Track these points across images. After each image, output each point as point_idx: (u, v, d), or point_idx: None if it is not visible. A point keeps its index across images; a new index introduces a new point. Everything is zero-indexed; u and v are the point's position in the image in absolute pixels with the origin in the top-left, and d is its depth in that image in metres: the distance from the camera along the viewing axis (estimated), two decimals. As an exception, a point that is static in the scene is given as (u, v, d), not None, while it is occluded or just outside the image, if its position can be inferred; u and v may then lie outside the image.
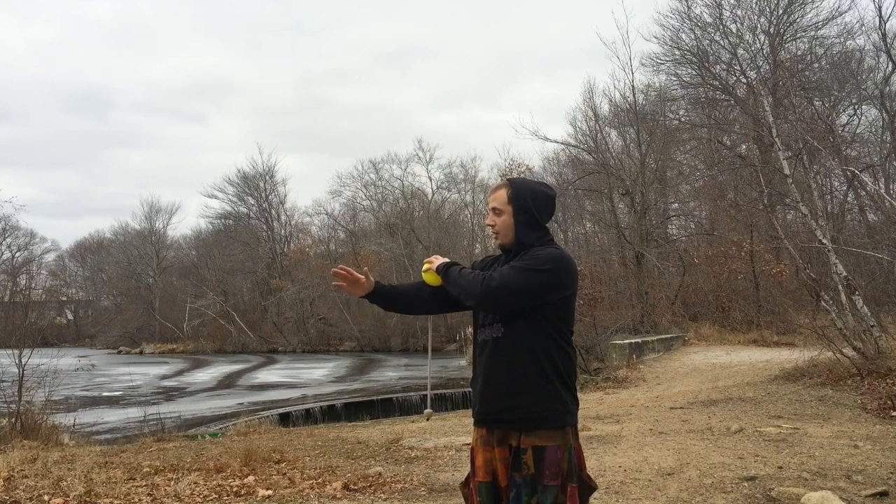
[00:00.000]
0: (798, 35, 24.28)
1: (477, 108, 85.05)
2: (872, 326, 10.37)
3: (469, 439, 4.36)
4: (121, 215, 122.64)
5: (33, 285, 57.24)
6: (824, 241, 10.92)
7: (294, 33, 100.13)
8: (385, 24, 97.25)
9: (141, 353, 46.29)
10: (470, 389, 2.53)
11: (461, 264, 2.49)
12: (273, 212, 50.77)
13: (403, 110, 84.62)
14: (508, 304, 2.30)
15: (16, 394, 9.19)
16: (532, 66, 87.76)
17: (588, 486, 2.36)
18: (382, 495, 5.07)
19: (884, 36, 20.85)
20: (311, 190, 78.42)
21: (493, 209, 2.45)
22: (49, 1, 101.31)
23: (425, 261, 2.54)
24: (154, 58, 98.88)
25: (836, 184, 21.50)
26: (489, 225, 2.46)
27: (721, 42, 24.12)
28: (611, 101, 26.77)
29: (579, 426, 2.45)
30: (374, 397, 16.17)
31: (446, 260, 2.52)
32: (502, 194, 2.44)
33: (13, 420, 8.83)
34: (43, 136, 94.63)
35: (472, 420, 2.49)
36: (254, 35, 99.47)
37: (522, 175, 31.99)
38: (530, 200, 2.42)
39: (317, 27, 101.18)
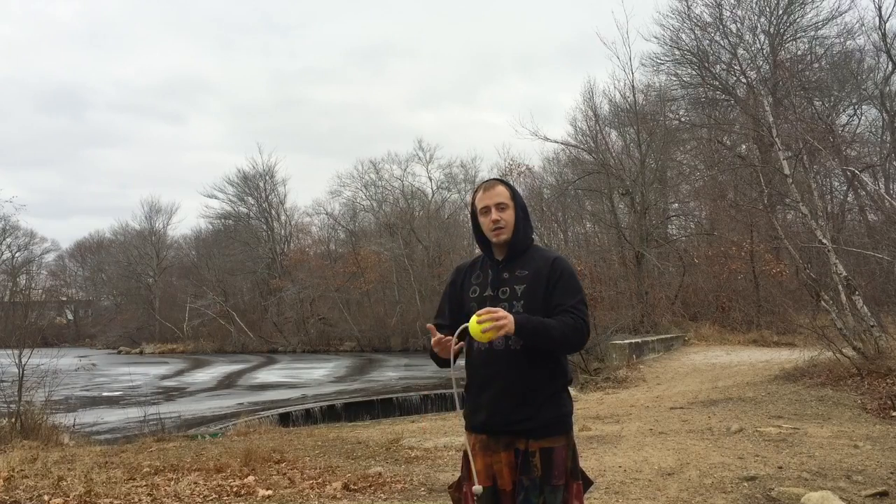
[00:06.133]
0: (798, 35, 24.29)
1: (455, 108, 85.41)
2: (872, 326, 10.37)
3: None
4: (107, 215, 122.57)
5: (33, 285, 57.38)
6: (824, 241, 10.92)
7: (265, 31, 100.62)
8: (356, 21, 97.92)
9: (141, 353, 46.29)
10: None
11: (533, 318, 2.23)
12: (273, 212, 50.77)
13: (381, 109, 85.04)
14: None
15: (16, 394, 9.19)
16: (509, 65, 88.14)
17: (587, 481, 2.41)
18: (382, 495, 5.07)
19: (884, 36, 20.87)
20: (294, 189, 78.63)
21: (499, 204, 2.40)
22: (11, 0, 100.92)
23: (476, 315, 2.16)
24: (124, 57, 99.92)
25: (836, 184, 21.53)
26: (495, 220, 2.39)
27: (721, 42, 24.14)
28: (611, 101, 26.80)
29: (580, 426, 2.46)
30: (374, 397, 16.15)
31: (508, 317, 2.15)
32: (503, 190, 2.44)
33: (13, 420, 8.83)
34: (19, 136, 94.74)
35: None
36: (224, 33, 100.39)
37: (522, 174, 32.02)
38: (523, 199, 2.50)
39: (287, 25, 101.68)
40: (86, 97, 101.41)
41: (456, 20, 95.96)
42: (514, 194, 2.45)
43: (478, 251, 2.64)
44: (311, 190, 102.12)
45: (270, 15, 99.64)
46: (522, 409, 2.28)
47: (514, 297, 2.34)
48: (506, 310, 2.29)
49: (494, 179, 2.51)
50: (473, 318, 2.15)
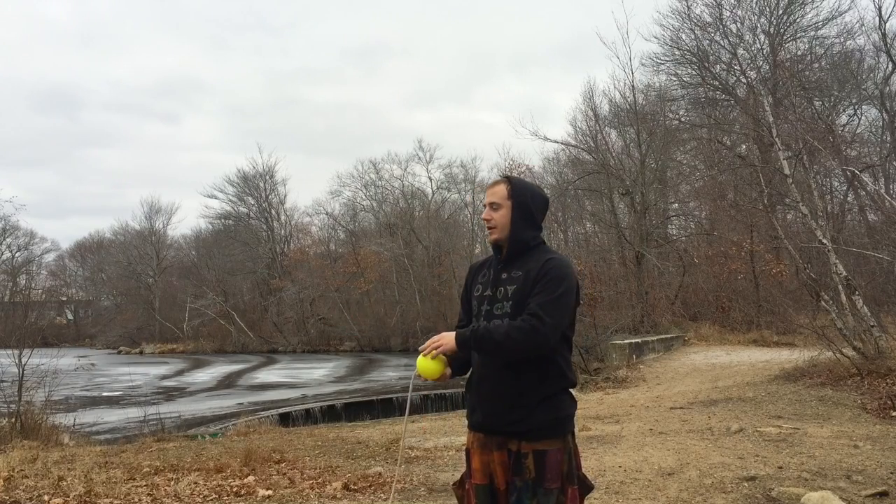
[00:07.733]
0: (798, 35, 24.29)
1: (450, 107, 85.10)
2: (872, 326, 10.37)
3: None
4: (104, 215, 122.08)
5: (33, 285, 57.31)
6: (824, 241, 10.92)
7: (258, 31, 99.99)
8: (349, 21, 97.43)
9: (141, 353, 46.25)
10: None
11: (468, 329, 2.30)
12: (273, 212, 50.75)
13: (376, 109, 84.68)
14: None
15: (16, 394, 9.18)
16: (503, 65, 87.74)
17: (586, 486, 2.37)
18: (382, 495, 5.07)
19: (884, 36, 20.90)
20: (291, 189, 78.18)
21: (491, 204, 2.39)
22: (3, 1, 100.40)
23: (422, 349, 2.34)
24: (118, 57, 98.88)
25: (836, 184, 21.55)
26: (485, 219, 2.40)
27: (721, 42, 24.14)
28: (611, 101, 26.82)
29: (580, 426, 2.45)
30: (374, 397, 16.14)
31: (448, 335, 2.32)
32: (501, 189, 2.40)
33: (13, 420, 8.83)
34: (15, 136, 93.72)
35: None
36: (217, 33, 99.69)
37: (522, 175, 32.03)
38: (529, 198, 2.41)
39: (280, 24, 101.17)
40: (80, 97, 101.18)
41: (450, 19, 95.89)
42: (513, 193, 2.38)
43: (478, 250, 2.64)
44: (307, 189, 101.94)
45: (263, 15, 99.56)
46: (514, 410, 2.27)
47: (505, 298, 2.33)
48: (499, 310, 2.32)
49: (500, 178, 2.48)
50: (419, 359, 2.32)
